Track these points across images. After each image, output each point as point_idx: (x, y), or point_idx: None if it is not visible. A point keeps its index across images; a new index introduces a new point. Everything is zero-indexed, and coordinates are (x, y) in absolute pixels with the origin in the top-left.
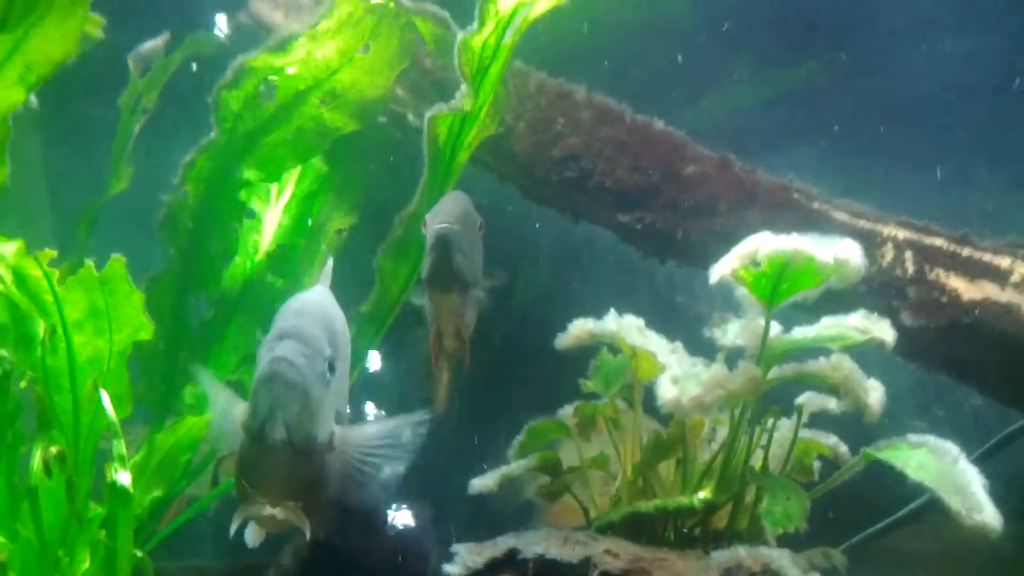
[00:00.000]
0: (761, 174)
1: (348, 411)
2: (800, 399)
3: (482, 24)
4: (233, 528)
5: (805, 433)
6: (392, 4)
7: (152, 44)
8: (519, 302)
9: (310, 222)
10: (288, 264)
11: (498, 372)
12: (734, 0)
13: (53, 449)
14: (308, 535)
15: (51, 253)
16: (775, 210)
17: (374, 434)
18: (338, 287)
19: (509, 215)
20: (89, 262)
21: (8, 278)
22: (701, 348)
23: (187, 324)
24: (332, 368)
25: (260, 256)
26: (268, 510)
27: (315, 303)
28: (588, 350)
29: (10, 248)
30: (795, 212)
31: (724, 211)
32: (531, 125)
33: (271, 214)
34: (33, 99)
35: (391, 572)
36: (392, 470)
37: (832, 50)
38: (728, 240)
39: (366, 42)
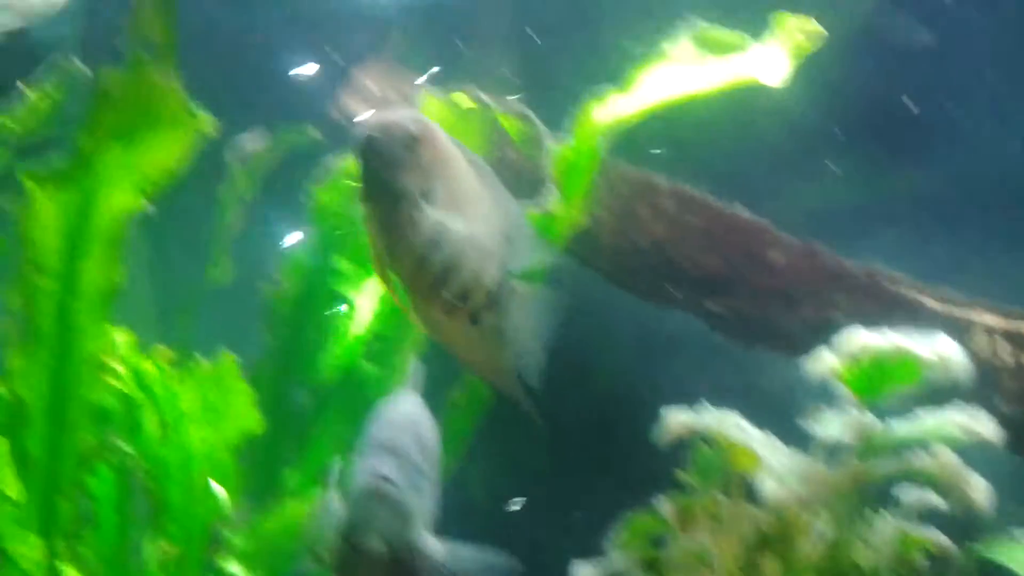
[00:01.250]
0: (847, 261)
1: (438, 512)
2: (902, 494)
3: (575, 136)
4: None
5: (908, 527)
6: (476, 103)
7: (250, 137)
8: (602, 385)
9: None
10: (382, 351)
11: (582, 455)
12: (829, 96)
13: (167, 549)
14: None
15: (167, 351)
16: (863, 297)
17: (465, 561)
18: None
19: (592, 298)
20: (202, 359)
21: (124, 373)
22: (792, 434)
23: (286, 411)
24: (424, 477)
25: (355, 344)
26: None
27: (406, 412)
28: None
29: (121, 338)
30: (883, 298)
31: (811, 298)
32: (615, 213)
33: (365, 302)
34: (150, 208)
35: None
36: None
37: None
38: (816, 327)
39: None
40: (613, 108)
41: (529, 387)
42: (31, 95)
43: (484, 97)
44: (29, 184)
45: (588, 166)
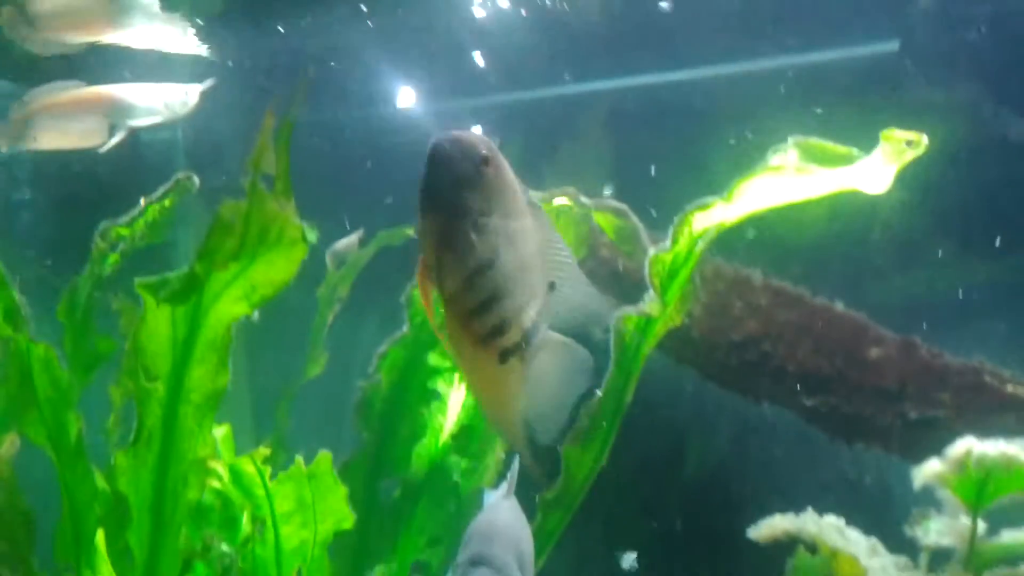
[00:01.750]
0: (949, 357)
1: None
2: None
3: (675, 242)
4: None
5: None
6: (571, 200)
7: (347, 241)
8: (695, 476)
9: None
10: (471, 444)
11: (676, 546)
12: (938, 187)
13: None
14: None
15: (264, 451)
16: (966, 394)
17: None
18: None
19: (686, 392)
20: (299, 458)
21: (225, 475)
22: (889, 533)
23: (377, 505)
24: None
25: (445, 437)
26: None
27: (503, 522)
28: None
29: (219, 432)
30: (987, 396)
31: (913, 395)
32: (709, 309)
33: (455, 395)
34: (256, 314)
35: None
36: None
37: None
38: (918, 425)
39: None
40: (715, 215)
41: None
42: (147, 206)
43: (580, 195)
44: (143, 295)
45: (687, 270)
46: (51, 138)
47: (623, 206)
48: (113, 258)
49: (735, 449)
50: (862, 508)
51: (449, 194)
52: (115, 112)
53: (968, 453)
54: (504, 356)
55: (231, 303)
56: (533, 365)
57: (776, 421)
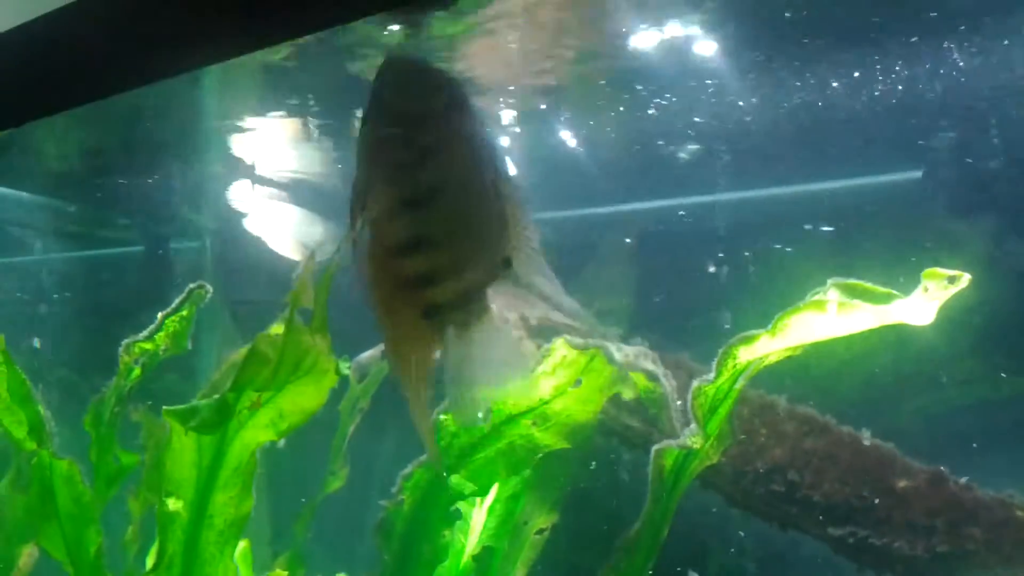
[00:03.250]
0: (978, 490)
1: None
2: None
3: (719, 375)
4: None
5: None
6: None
7: (370, 353)
8: None
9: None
10: (492, 565)
11: None
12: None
13: None
14: None
15: (284, 575)
16: (997, 529)
17: None
18: None
19: (711, 512)
20: None
21: None
22: None
23: None
24: None
25: (466, 559)
26: None
27: None
28: None
29: (238, 547)
30: (1018, 531)
31: (942, 530)
32: (734, 436)
33: (477, 516)
34: (281, 442)
35: None
36: None
37: None
38: (948, 558)
39: (579, 377)
40: (760, 349)
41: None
42: (164, 318)
43: (616, 353)
44: (171, 421)
45: (727, 406)
46: None
47: (657, 370)
48: (136, 372)
49: (761, 572)
50: None
51: (400, 102)
52: None
53: None
54: (429, 313)
55: (258, 430)
56: (465, 340)
57: (802, 547)
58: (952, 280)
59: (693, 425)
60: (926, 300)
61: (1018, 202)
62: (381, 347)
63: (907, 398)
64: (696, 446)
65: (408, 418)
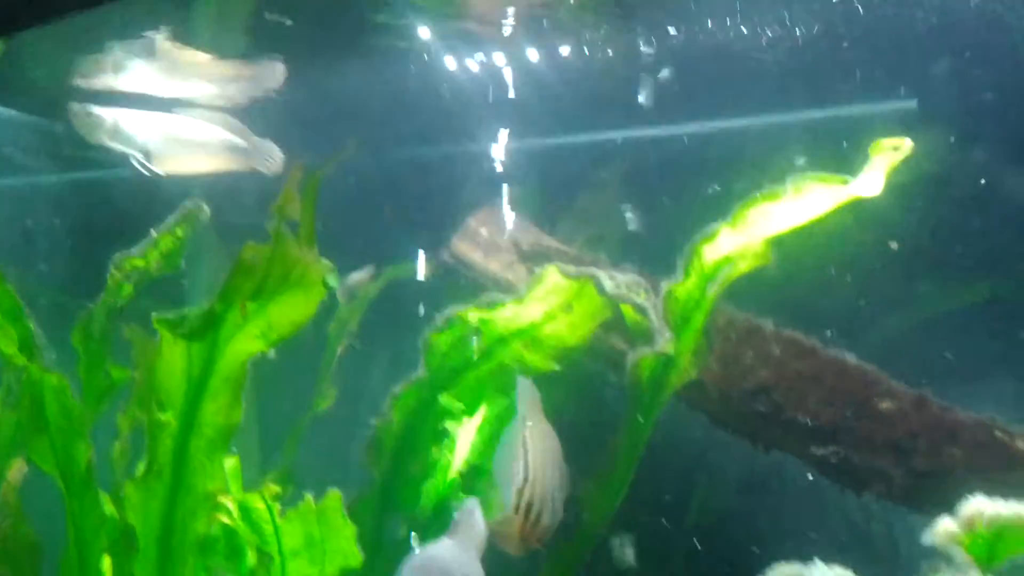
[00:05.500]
0: (960, 412)
1: None
2: None
3: (687, 275)
4: None
5: None
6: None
7: (358, 276)
8: (701, 523)
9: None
10: (478, 483)
11: None
12: (914, 226)
13: None
14: None
15: (274, 488)
16: (977, 450)
17: None
18: None
19: (695, 438)
20: (308, 496)
21: (234, 511)
22: None
23: (384, 542)
24: None
25: (453, 475)
26: None
27: (435, 560)
28: None
29: (228, 463)
30: (998, 452)
31: (923, 450)
32: (721, 358)
33: (464, 434)
34: (272, 353)
35: None
36: None
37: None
38: (928, 478)
39: (570, 303)
40: (723, 245)
41: None
42: (160, 236)
43: (606, 281)
44: (160, 330)
45: (701, 315)
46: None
47: (646, 305)
48: (127, 288)
49: (743, 497)
50: (869, 559)
51: None
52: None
53: (980, 513)
54: None
55: (248, 341)
56: None
57: (785, 470)
58: (897, 149)
59: (667, 332)
60: (874, 172)
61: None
62: (370, 268)
63: (875, 322)
64: (670, 351)
65: (398, 339)
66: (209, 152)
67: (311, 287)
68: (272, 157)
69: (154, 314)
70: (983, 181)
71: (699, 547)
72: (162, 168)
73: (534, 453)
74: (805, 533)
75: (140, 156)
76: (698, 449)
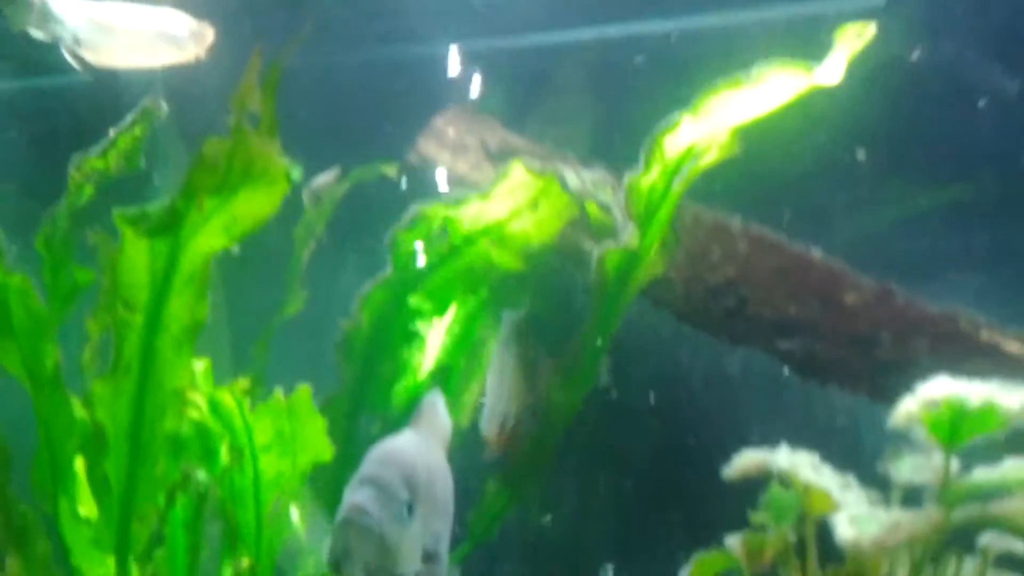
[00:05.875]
0: (925, 304)
1: (445, 551)
2: (983, 540)
3: (648, 167)
4: None
5: (989, 574)
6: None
7: (324, 178)
8: (667, 421)
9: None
10: (449, 382)
11: (647, 494)
12: (878, 125)
13: (246, 562)
14: None
15: (244, 383)
16: (942, 341)
17: None
18: None
19: (661, 337)
20: (278, 390)
21: (203, 405)
22: (862, 478)
23: (356, 441)
24: (411, 511)
25: (424, 376)
26: None
27: (397, 449)
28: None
29: (200, 366)
30: (963, 343)
31: (888, 341)
32: (688, 255)
33: (434, 335)
34: (236, 249)
35: None
36: None
37: (984, 168)
38: (892, 369)
39: (536, 200)
40: (685, 135)
41: None
42: (118, 135)
43: (571, 178)
44: (122, 226)
45: (666, 209)
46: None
47: (611, 202)
48: (88, 190)
49: (708, 395)
50: (832, 453)
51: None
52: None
53: (943, 393)
54: None
55: (211, 236)
56: None
57: (750, 367)
58: (859, 35)
59: (631, 226)
60: (838, 57)
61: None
62: (335, 171)
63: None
64: (634, 246)
65: (366, 243)
66: (146, 42)
67: (274, 181)
68: (205, 37)
69: (115, 210)
70: (951, 80)
71: (667, 442)
72: (94, 58)
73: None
74: (769, 430)
75: (70, 43)
76: (666, 349)
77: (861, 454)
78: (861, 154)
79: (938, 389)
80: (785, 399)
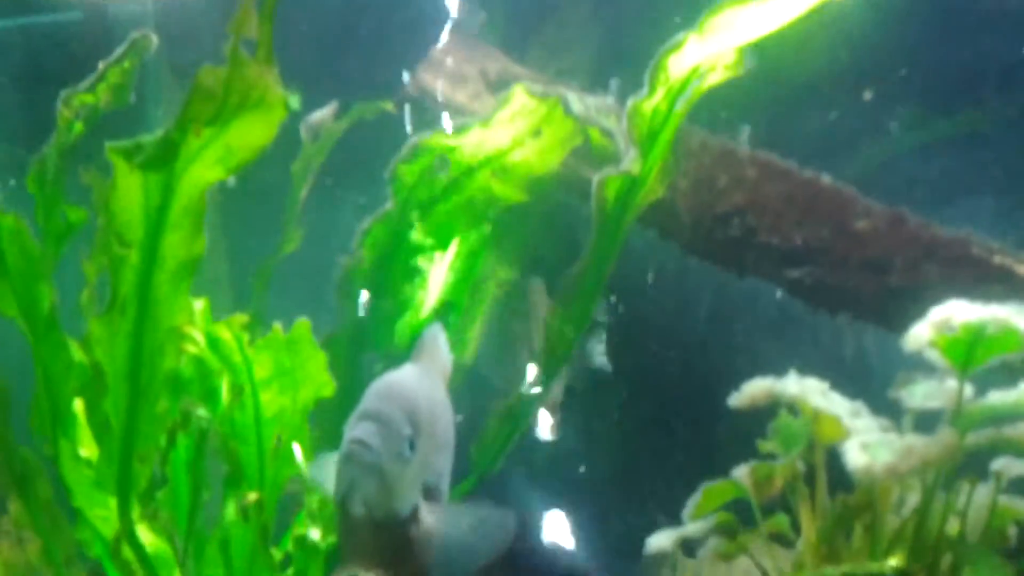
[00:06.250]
0: (937, 228)
1: (446, 486)
2: (996, 464)
3: (652, 90)
4: None
5: (1001, 499)
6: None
7: (322, 113)
8: (674, 356)
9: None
10: (451, 319)
11: (657, 426)
12: (889, 50)
13: (251, 496)
14: None
15: (242, 318)
16: (954, 266)
17: (459, 517)
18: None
19: (668, 271)
20: (277, 325)
21: (201, 341)
22: (873, 407)
23: (359, 378)
24: (412, 446)
25: (427, 313)
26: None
27: (398, 383)
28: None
29: (198, 305)
30: (975, 268)
31: (900, 267)
32: (694, 183)
33: (436, 272)
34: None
35: None
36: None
37: (998, 96)
38: (904, 296)
39: (538, 128)
40: (689, 55)
41: None
42: (107, 68)
43: (573, 102)
44: (115, 160)
45: (669, 131)
46: None
47: (611, 126)
48: (78, 127)
49: (716, 327)
50: (841, 383)
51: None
52: None
53: (957, 316)
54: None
55: (206, 168)
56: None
57: (758, 298)
58: None
59: (632, 151)
60: None
61: None
62: (334, 106)
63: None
64: (635, 171)
65: (367, 180)
66: None
67: (271, 109)
68: None
69: (107, 144)
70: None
71: (674, 377)
72: None
73: None
74: (777, 362)
75: None
76: (672, 283)
77: (871, 388)
78: (873, 82)
79: (953, 310)
80: (793, 333)
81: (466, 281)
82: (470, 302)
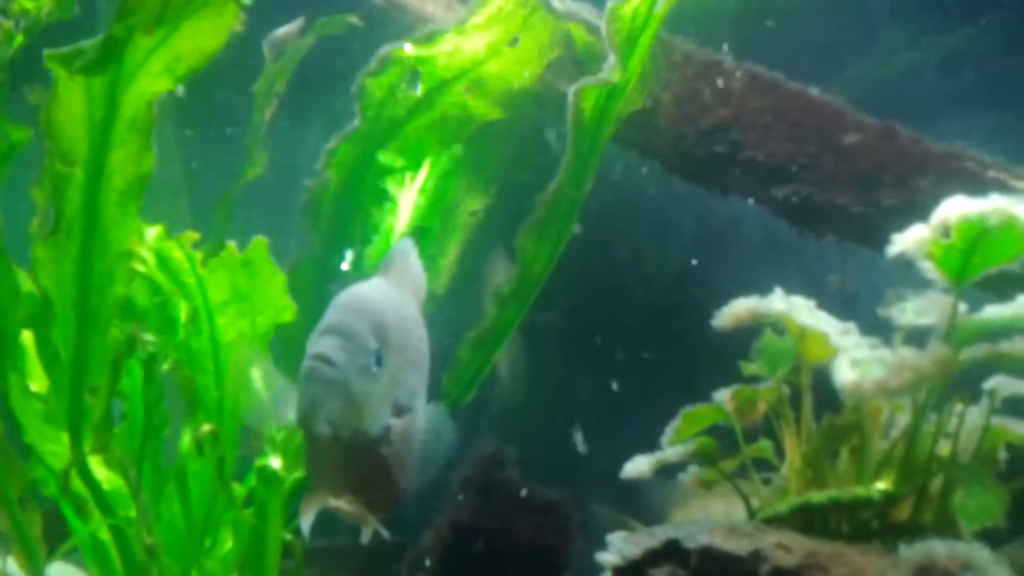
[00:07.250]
0: (930, 143)
1: (421, 407)
2: (990, 383)
3: None
4: (305, 524)
5: (993, 420)
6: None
7: (286, 29)
8: (656, 280)
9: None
10: (423, 245)
11: (638, 352)
12: None
13: (206, 427)
14: (369, 530)
15: (193, 236)
16: (947, 181)
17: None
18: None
19: (649, 195)
20: (231, 244)
21: (151, 260)
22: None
23: (326, 306)
24: (380, 361)
25: (396, 238)
26: (332, 502)
27: (364, 296)
28: (742, 331)
29: (152, 232)
30: (969, 183)
31: (890, 183)
32: (677, 96)
33: (407, 196)
34: (180, 88)
35: (534, 554)
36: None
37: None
38: (894, 213)
39: (516, 35)
40: None
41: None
42: None
43: (557, 2)
44: (54, 69)
45: (648, 37)
46: None
47: (596, 21)
48: (18, 38)
49: (698, 251)
50: (827, 307)
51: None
52: None
53: (957, 215)
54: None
55: (153, 77)
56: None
57: (741, 220)
58: None
59: (612, 57)
60: None
61: None
62: (299, 22)
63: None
64: (615, 79)
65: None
66: None
67: (221, 9)
68: None
69: (46, 52)
70: None
71: (656, 305)
72: None
73: None
74: (761, 285)
75: None
76: (653, 206)
77: (855, 310)
78: None
79: (953, 208)
80: (778, 256)
81: (438, 206)
82: (442, 228)
